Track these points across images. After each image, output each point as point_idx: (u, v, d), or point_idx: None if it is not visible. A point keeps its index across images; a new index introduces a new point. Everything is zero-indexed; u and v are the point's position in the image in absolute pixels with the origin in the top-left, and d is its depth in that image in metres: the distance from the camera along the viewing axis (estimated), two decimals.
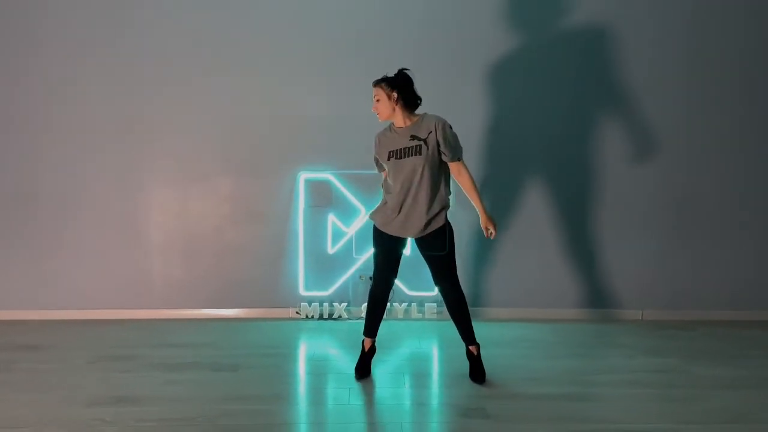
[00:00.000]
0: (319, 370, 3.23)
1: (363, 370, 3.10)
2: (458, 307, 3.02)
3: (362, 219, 3.94)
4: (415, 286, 3.96)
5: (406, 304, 4.00)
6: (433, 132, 2.86)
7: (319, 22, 3.89)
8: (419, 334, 3.75)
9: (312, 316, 3.99)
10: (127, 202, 3.97)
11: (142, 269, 4.01)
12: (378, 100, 2.90)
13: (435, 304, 4.00)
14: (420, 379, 3.12)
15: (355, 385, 3.00)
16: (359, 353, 3.17)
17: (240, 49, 3.89)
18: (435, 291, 3.98)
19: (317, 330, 3.84)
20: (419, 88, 2.95)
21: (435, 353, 3.54)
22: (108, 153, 3.93)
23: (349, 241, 3.96)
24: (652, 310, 4.09)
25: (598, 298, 4.09)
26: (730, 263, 4.06)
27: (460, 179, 2.95)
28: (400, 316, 3.98)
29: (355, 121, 3.90)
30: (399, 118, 2.91)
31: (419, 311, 4.00)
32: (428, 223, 2.90)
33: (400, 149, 2.88)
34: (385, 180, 3.00)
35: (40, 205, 3.95)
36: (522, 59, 3.91)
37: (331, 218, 3.96)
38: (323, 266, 3.99)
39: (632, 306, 4.10)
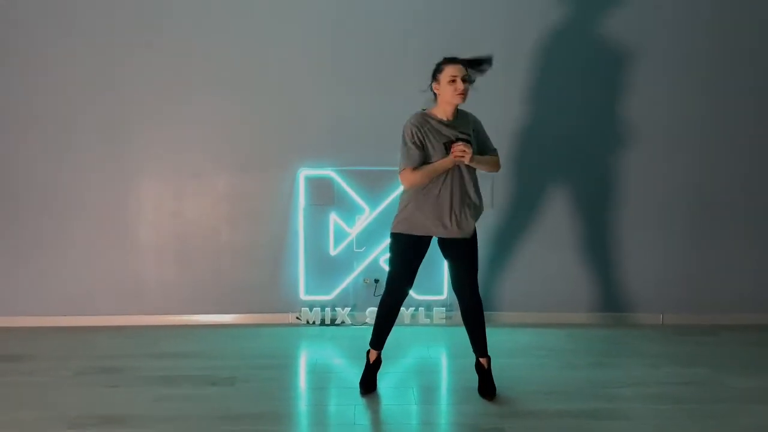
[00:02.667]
0: (321, 384, 3.00)
1: (369, 385, 2.88)
2: (477, 315, 2.82)
3: (366, 218, 3.70)
4: (423, 289, 3.72)
5: (413, 308, 3.77)
6: (475, 131, 2.76)
7: (321, 13, 3.63)
8: (427, 342, 3.52)
9: (313, 322, 3.77)
10: (116, 201, 3.73)
11: (133, 273, 3.77)
12: (467, 82, 2.66)
13: (444, 308, 3.77)
14: (429, 393, 2.90)
15: (361, 401, 2.78)
16: (364, 364, 2.94)
17: (237, 39, 3.63)
18: (444, 294, 3.76)
19: (319, 337, 3.61)
20: (425, 84, 2.73)
21: (444, 363, 3.32)
22: (96, 147, 3.68)
23: (352, 242, 3.73)
24: (673, 313, 3.87)
25: (616, 301, 3.87)
26: (756, 263, 3.83)
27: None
28: (407, 321, 3.75)
29: (358, 115, 3.66)
30: (453, 110, 2.72)
31: (427, 316, 3.77)
32: (476, 222, 2.78)
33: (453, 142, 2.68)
34: None
35: (22, 203, 3.70)
36: (538, 55, 3.66)
37: (333, 217, 3.73)
38: (325, 269, 3.75)
39: (652, 309, 3.87)
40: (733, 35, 3.69)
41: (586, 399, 2.79)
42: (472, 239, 2.78)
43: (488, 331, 2.88)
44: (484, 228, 3.73)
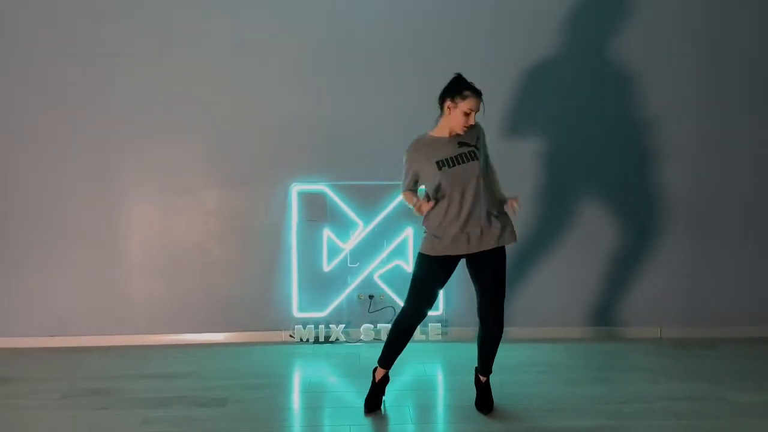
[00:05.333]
0: (315, 403, 2.93)
1: (374, 403, 2.82)
2: (495, 342, 2.77)
3: (360, 233, 3.65)
4: None
5: None
6: (481, 137, 2.72)
7: (313, 18, 3.59)
8: (423, 358, 3.45)
9: (307, 340, 3.69)
10: (104, 219, 3.65)
11: (121, 291, 3.69)
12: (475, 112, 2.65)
13: (440, 324, 3.71)
14: (426, 412, 2.85)
15: (356, 421, 2.71)
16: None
17: (225, 48, 3.59)
18: (440, 310, 3.70)
19: (313, 355, 3.54)
20: (432, 90, 2.71)
21: (441, 380, 3.26)
22: (83, 164, 3.61)
23: (346, 258, 3.67)
24: (671, 327, 3.82)
25: (613, 314, 3.82)
26: (754, 276, 3.80)
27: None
28: None
29: (351, 128, 3.61)
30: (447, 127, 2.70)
31: (422, 332, 3.70)
32: (501, 233, 2.69)
33: (452, 157, 2.63)
34: (432, 197, 2.68)
35: (7, 220, 3.61)
36: (544, 70, 3.65)
37: (327, 233, 3.67)
38: (319, 285, 3.69)
39: (650, 323, 3.83)
40: (735, 37, 3.66)
41: (587, 416, 2.74)
42: (498, 255, 2.69)
43: None
44: None
